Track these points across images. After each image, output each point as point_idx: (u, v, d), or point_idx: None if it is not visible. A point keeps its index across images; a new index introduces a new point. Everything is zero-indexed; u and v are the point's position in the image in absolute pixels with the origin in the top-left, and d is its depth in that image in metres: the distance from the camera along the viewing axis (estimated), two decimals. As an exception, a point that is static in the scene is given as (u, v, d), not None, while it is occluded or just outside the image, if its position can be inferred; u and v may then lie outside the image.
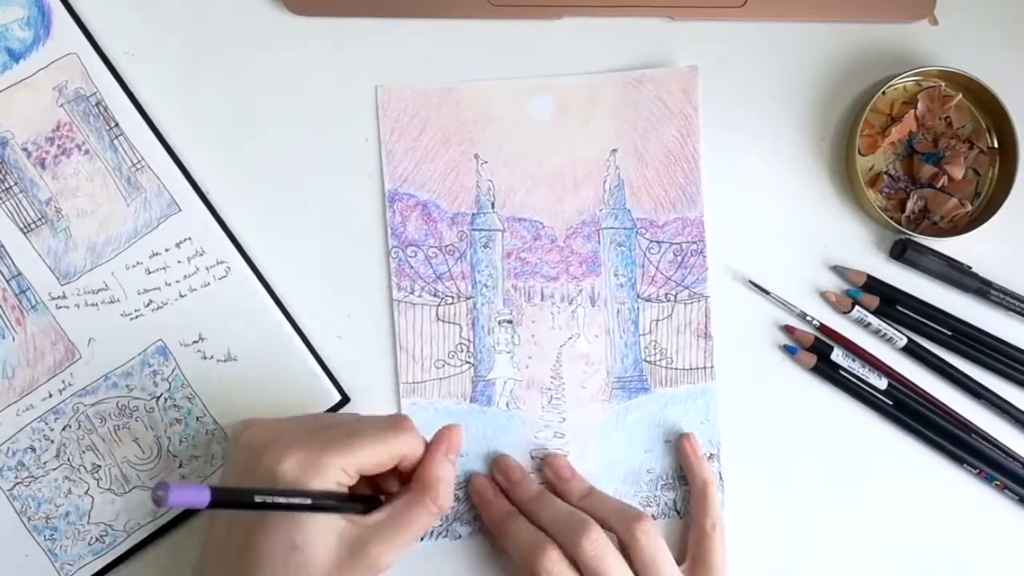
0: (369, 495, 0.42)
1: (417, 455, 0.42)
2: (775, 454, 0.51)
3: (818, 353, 0.51)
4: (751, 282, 0.51)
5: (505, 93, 0.51)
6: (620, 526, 0.46)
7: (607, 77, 0.51)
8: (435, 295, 0.51)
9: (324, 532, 0.38)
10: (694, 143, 0.51)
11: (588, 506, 0.48)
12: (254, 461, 0.39)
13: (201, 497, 0.32)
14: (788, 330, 0.51)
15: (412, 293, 0.50)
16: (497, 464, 0.50)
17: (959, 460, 0.51)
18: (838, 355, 0.51)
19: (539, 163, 0.51)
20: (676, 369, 0.51)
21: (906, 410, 0.51)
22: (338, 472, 0.39)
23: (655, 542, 0.45)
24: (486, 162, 0.51)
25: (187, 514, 0.49)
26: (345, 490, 0.40)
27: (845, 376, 0.50)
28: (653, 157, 0.51)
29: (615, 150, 0.51)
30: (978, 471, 0.51)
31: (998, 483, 0.51)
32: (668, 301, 0.51)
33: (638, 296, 0.51)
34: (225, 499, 0.33)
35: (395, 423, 0.42)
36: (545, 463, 0.50)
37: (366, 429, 0.41)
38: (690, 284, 0.51)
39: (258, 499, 0.35)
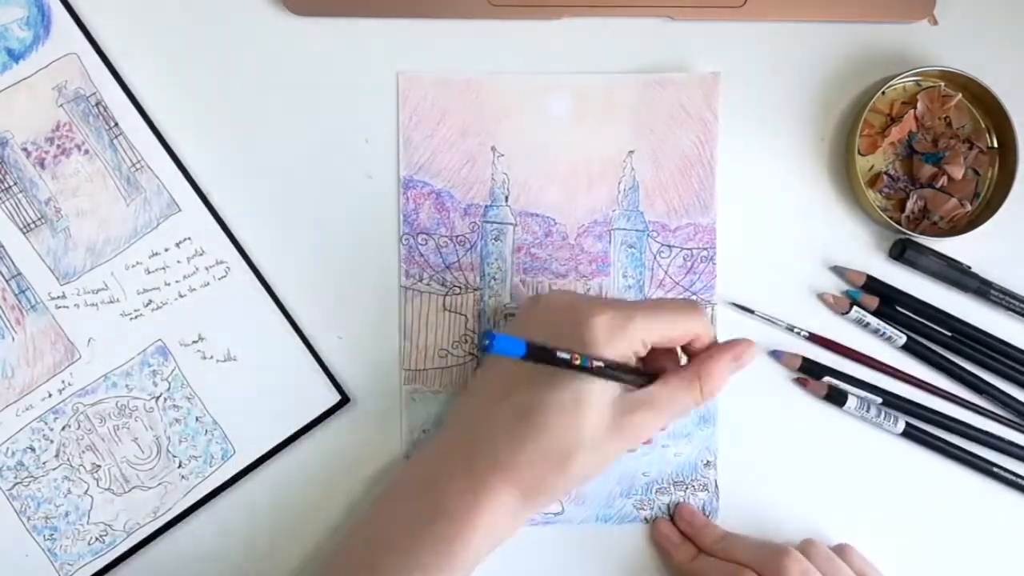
0: (644, 372, 0.44)
1: (705, 340, 0.45)
2: (772, 461, 0.51)
3: (832, 400, 0.51)
4: (734, 304, 0.51)
5: (525, 88, 0.51)
6: (772, 561, 0.46)
7: (627, 78, 0.51)
8: (443, 284, 0.51)
9: (602, 395, 0.41)
10: (711, 149, 0.51)
11: (728, 547, 0.49)
12: (568, 312, 0.43)
13: (518, 348, 0.37)
14: (799, 377, 0.51)
15: (420, 281, 0.50)
16: (680, 513, 0.51)
17: (975, 467, 0.52)
18: (852, 404, 0.51)
19: (555, 160, 0.51)
20: None
21: (919, 436, 0.51)
22: (639, 339, 0.42)
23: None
24: (502, 155, 0.51)
25: (187, 513, 0.49)
26: (634, 360, 0.43)
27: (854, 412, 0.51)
28: (669, 161, 0.51)
29: (632, 151, 0.51)
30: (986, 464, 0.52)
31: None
32: None
33: (645, 299, 0.51)
34: (534, 356, 0.38)
35: (691, 305, 0.44)
36: (677, 515, 0.51)
37: (666, 305, 0.44)
38: (698, 290, 0.51)
39: (561, 355, 0.39)
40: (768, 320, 0.51)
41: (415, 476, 0.45)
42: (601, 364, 0.40)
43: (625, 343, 0.42)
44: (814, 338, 0.51)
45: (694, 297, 0.51)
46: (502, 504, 0.41)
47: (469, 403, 0.46)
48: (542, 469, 0.41)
